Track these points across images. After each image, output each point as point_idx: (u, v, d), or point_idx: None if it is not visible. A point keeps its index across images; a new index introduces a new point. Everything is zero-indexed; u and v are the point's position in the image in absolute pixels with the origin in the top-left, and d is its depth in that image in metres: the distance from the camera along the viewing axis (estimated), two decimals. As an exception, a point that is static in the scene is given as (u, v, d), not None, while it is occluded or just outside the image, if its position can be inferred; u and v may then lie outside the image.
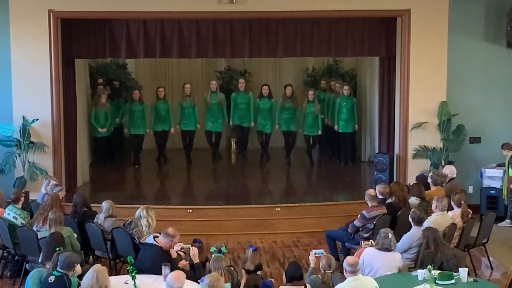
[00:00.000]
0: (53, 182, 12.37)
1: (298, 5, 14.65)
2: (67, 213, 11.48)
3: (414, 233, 10.30)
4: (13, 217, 11.36)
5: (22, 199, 11.83)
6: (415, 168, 14.79)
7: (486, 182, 14.85)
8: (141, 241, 10.02)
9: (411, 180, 14.00)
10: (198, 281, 8.52)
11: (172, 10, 14.60)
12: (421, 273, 9.04)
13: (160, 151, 18.28)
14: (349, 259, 8.61)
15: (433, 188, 12.48)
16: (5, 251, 11.70)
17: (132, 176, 18.22)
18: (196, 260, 9.55)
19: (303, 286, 8.73)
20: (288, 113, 17.84)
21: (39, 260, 9.78)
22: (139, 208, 10.93)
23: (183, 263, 9.78)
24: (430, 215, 11.11)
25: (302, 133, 18.35)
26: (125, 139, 19.23)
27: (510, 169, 14.10)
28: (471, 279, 9.11)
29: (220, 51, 15.38)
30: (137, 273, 8.58)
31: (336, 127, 18.14)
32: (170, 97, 19.18)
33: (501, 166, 14.52)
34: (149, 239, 9.78)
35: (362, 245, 10.30)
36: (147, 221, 10.57)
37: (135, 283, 8.50)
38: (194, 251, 9.61)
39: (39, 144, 14.65)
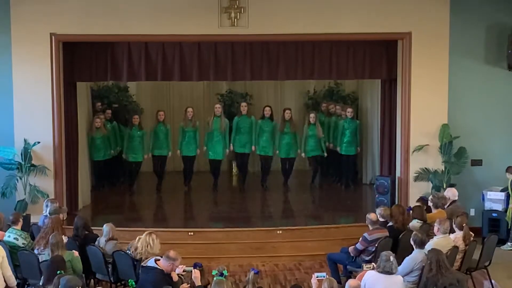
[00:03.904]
0: (54, 205, 12.34)
1: (299, 28, 14.70)
2: (68, 236, 11.44)
3: (416, 256, 10.27)
4: (14, 239, 11.33)
5: (21, 220, 11.78)
6: (416, 191, 14.76)
7: (488, 205, 14.81)
8: (142, 264, 10.00)
9: (412, 203, 13.95)
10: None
11: (174, 33, 14.67)
12: (423, 296, 9.02)
13: (158, 176, 18.28)
14: (351, 282, 8.59)
15: (434, 211, 12.46)
16: (6, 275, 11.66)
17: (132, 199, 18.19)
18: (198, 283, 9.53)
19: (305, 309, 8.72)
20: (287, 137, 17.84)
21: (40, 284, 9.75)
22: (140, 231, 10.94)
23: (184, 286, 9.75)
24: (432, 237, 11.09)
25: (304, 156, 18.34)
26: (125, 162, 19.24)
27: (512, 192, 14.13)
28: (474, 302, 9.09)
29: (221, 74, 15.40)
30: (138, 296, 8.58)
31: (338, 149, 18.15)
32: (171, 120, 19.23)
33: (505, 190, 14.50)
34: (150, 262, 9.76)
35: (364, 268, 10.28)
36: (143, 246, 10.54)
37: (136, 306, 8.49)
38: (196, 274, 9.58)
39: (41, 167, 14.66)
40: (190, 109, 17.91)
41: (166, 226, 14.84)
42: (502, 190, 14.61)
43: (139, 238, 10.66)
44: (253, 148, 17.95)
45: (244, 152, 18.01)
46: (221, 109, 18.15)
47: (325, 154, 18.25)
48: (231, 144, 17.91)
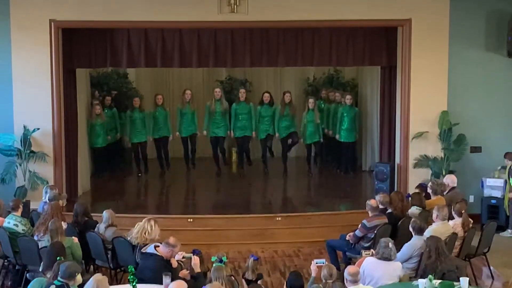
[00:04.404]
0: (53, 191, 12.35)
1: (298, 15, 14.67)
2: (68, 222, 11.44)
3: (415, 243, 10.29)
4: (14, 225, 11.34)
5: (21, 207, 11.81)
6: (415, 178, 14.78)
7: (487, 192, 14.84)
8: (142, 250, 10.01)
9: (411, 190, 13.96)
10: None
11: (173, 19, 14.64)
12: (422, 282, 9.01)
13: (160, 158, 18.31)
14: (350, 268, 8.60)
15: (433, 197, 12.48)
16: (5, 261, 11.69)
17: (132, 186, 18.24)
18: (197, 270, 9.54)
19: (304, 296, 8.74)
20: (286, 120, 17.79)
21: (40, 270, 9.77)
22: (139, 217, 10.97)
23: (184, 272, 9.77)
24: (431, 224, 11.10)
25: (303, 142, 18.32)
26: (124, 148, 19.23)
27: (511, 179, 14.11)
28: (472, 289, 9.11)
29: (221, 61, 15.39)
30: (137, 282, 8.59)
31: (337, 136, 18.14)
32: (171, 106, 19.22)
33: (504, 168, 14.50)
34: (150, 249, 9.78)
35: (363, 255, 10.31)
36: (139, 232, 10.57)
37: (135, 292, 8.51)
38: (195, 261, 9.60)
39: (40, 154, 14.66)
40: (188, 91, 17.93)
41: (166, 212, 14.86)
42: (502, 168, 14.54)
43: (138, 224, 10.69)
44: (253, 134, 17.94)
45: (244, 135, 17.97)
46: (221, 92, 18.14)
47: (321, 140, 18.23)
48: (231, 131, 17.89)
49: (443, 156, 14.90)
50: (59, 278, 8.42)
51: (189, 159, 18.39)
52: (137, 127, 18.03)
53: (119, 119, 18.63)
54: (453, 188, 12.93)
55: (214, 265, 9.29)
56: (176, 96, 20.29)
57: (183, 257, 10.05)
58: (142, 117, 18.06)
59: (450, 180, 13.07)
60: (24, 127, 14.61)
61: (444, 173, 14.49)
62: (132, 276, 8.62)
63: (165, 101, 18.46)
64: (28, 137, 14.56)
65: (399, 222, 11.61)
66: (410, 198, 12.41)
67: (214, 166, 18.32)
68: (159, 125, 18.00)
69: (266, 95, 17.93)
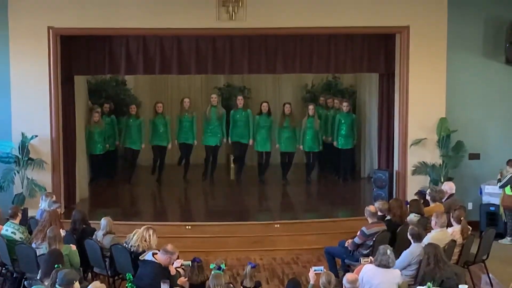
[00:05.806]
0: (49, 198, 12.32)
1: (297, 22, 14.68)
2: (66, 230, 11.42)
3: (414, 250, 10.27)
4: (12, 233, 11.34)
5: (20, 214, 11.81)
6: (414, 185, 14.76)
7: (486, 199, 14.83)
8: (140, 258, 10.00)
9: (410, 196, 13.96)
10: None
11: (171, 26, 14.64)
12: (421, 290, 9.02)
13: (155, 165, 18.26)
14: (348, 276, 8.59)
15: (432, 204, 12.47)
16: (3, 268, 11.66)
17: (130, 193, 18.19)
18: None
19: (303, 303, 8.73)
20: (286, 132, 17.82)
21: (38, 277, 9.75)
22: (137, 224, 10.95)
23: (182, 280, 9.77)
24: (430, 231, 11.09)
25: (302, 149, 18.31)
26: (123, 156, 19.19)
27: (508, 187, 14.08)
28: (471, 296, 9.10)
29: (219, 68, 15.40)
30: (136, 290, 8.59)
31: (335, 143, 18.13)
32: (170, 113, 19.21)
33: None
34: (148, 256, 9.77)
35: (362, 262, 10.28)
36: (138, 240, 10.57)
37: (134, 300, 8.50)
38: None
39: (38, 161, 14.64)
40: (186, 100, 17.93)
41: (164, 219, 14.85)
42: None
43: (136, 231, 10.69)
44: (250, 142, 17.93)
45: (241, 142, 18.00)
46: (217, 98, 18.18)
47: (320, 148, 18.25)
48: (229, 138, 17.89)
49: (441, 163, 14.90)
50: (57, 285, 8.40)
51: (184, 167, 18.34)
52: (133, 135, 17.99)
53: (117, 126, 18.60)
54: (451, 195, 12.91)
55: (212, 272, 9.29)
56: (175, 103, 20.26)
57: (181, 265, 10.05)
58: (138, 124, 18.03)
59: (448, 187, 13.05)
60: (22, 134, 14.59)
61: (442, 180, 14.48)
62: (130, 284, 8.61)
63: (164, 109, 18.42)
64: (26, 144, 14.55)
65: (398, 229, 11.60)
66: (408, 205, 12.39)
67: (204, 170, 18.31)
68: (159, 133, 17.93)
69: (265, 104, 17.98)
